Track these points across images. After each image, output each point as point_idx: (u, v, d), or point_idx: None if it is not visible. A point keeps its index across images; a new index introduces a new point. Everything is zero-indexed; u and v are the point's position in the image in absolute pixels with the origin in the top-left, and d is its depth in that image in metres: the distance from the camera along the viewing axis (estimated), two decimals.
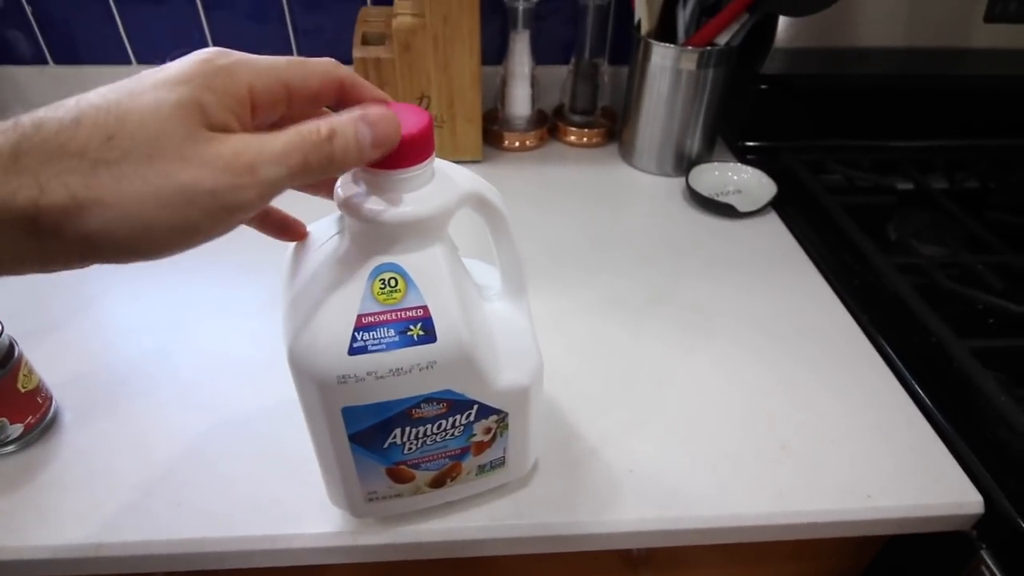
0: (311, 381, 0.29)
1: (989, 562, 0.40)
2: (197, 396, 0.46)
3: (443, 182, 0.29)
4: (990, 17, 0.73)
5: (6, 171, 0.19)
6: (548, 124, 0.82)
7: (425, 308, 0.29)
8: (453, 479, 0.36)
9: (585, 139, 0.81)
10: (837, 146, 0.77)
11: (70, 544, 0.37)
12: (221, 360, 0.49)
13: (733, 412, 0.47)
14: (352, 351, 0.28)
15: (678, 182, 0.74)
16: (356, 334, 0.28)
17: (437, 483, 0.36)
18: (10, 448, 0.41)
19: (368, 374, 0.29)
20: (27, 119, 0.20)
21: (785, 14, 0.68)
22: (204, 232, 0.22)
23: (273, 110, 0.24)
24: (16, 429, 0.41)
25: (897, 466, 0.43)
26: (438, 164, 0.29)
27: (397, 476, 0.34)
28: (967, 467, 0.43)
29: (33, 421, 0.41)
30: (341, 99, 0.26)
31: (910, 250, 0.62)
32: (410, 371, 0.29)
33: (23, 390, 0.40)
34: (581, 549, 0.41)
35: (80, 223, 0.20)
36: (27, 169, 0.19)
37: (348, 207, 0.28)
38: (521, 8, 0.73)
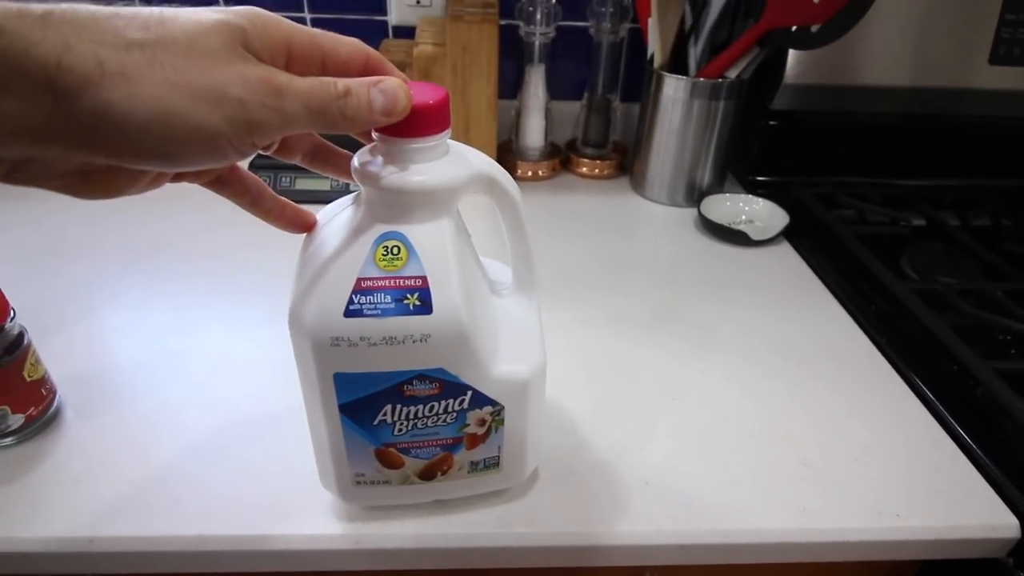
0: (306, 341, 0.29)
1: None
2: (202, 397, 0.45)
3: (457, 159, 0.30)
4: (995, 59, 0.75)
5: (33, 26, 0.19)
6: (561, 156, 0.84)
7: (424, 279, 0.29)
8: (444, 473, 0.35)
9: (597, 170, 0.83)
10: (846, 183, 0.78)
11: (61, 537, 0.35)
12: (227, 364, 0.48)
13: (750, 427, 0.45)
14: (348, 313, 0.28)
15: (689, 212, 0.75)
16: (353, 296, 0.28)
17: (427, 475, 0.35)
18: (9, 440, 0.40)
19: (362, 339, 0.29)
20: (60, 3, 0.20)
21: (794, 47, 0.70)
22: (221, 144, 0.22)
23: (307, 70, 0.25)
24: (17, 420, 0.40)
25: (926, 487, 0.41)
26: (455, 144, 0.30)
27: (386, 459, 0.34)
28: (999, 489, 0.41)
29: (35, 413, 0.41)
30: (365, 74, 0.27)
31: (930, 278, 0.62)
32: (403, 341, 0.29)
33: (28, 379, 0.40)
34: (589, 564, 0.38)
35: (101, 90, 0.20)
36: (55, 28, 0.19)
37: (360, 173, 0.29)
38: (537, 43, 0.76)
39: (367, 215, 0.30)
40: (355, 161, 0.29)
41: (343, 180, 0.32)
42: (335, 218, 0.32)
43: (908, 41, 0.74)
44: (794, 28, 0.66)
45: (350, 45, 0.26)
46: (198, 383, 0.47)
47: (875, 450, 0.44)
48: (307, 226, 0.32)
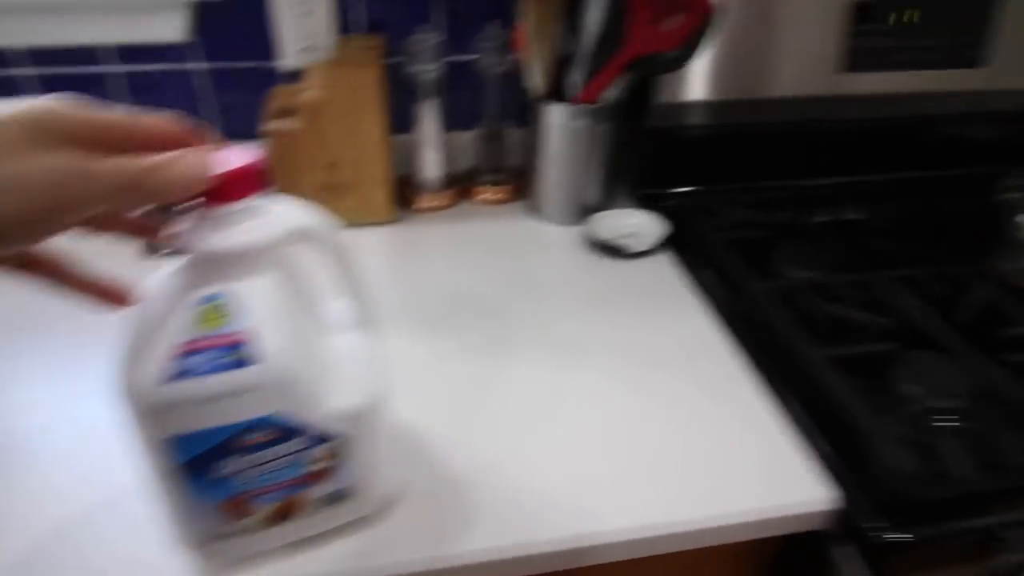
0: (135, 411, 0.31)
1: (845, 559, 0.42)
2: (59, 477, 0.44)
3: (271, 217, 0.32)
4: (850, 67, 0.82)
5: None
6: (459, 185, 0.87)
7: (245, 333, 0.31)
8: (296, 513, 0.37)
9: (494, 197, 0.86)
10: (724, 189, 0.83)
11: None
12: (87, 436, 0.47)
13: (607, 434, 0.48)
14: (173, 378, 0.30)
15: (580, 231, 0.79)
16: (177, 361, 0.30)
17: (281, 517, 0.37)
18: None
19: (188, 400, 0.31)
20: None
21: (655, 73, 0.75)
22: (32, 228, 0.24)
23: (116, 151, 0.26)
24: None
25: (761, 472, 0.45)
26: (274, 202, 0.33)
27: (235, 510, 0.35)
28: (826, 469, 0.45)
29: None
30: (175, 148, 0.29)
31: (785, 276, 0.67)
32: (231, 395, 0.31)
33: None
34: None
35: None
36: None
37: (179, 239, 0.31)
38: (425, 80, 0.80)
39: (189, 278, 0.32)
40: (173, 229, 0.32)
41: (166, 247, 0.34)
42: (161, 285, 0.34)
43: (780, 55, 0.79)
44: (653, 54, 0.71)
45: (157, 123, 0.29)
46: (53, 462, 0.45)
47: (717, 445, 0.48)
48: (122, 300, 0.33)
